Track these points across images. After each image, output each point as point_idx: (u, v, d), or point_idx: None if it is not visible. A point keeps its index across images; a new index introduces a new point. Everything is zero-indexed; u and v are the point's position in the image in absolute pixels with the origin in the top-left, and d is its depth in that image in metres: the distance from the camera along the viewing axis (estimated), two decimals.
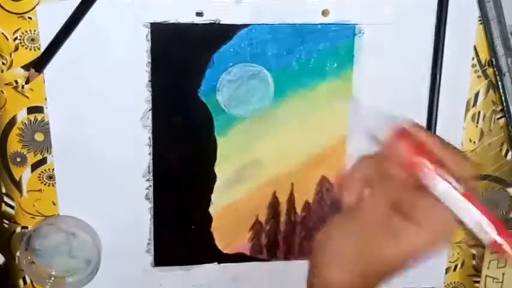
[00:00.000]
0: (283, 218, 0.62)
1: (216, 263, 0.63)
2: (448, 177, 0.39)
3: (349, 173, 0.43)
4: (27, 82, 0.54)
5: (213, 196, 0.60)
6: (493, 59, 0.57)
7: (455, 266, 0.66)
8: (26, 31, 0.52)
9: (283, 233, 0.62)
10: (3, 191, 0.58)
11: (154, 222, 0.60)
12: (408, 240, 0.41)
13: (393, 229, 0.41)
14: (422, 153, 0.40)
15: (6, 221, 0.59)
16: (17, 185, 0.57)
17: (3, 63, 0.53)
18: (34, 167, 0.57)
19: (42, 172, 0.57)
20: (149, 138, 0.57)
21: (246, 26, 0.55)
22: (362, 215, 0.42)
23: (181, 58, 0.55)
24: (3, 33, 0.52)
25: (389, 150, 0.41)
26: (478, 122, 0.61)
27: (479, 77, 0.59)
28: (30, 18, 0.52)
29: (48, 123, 0.55)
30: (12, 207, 0.58)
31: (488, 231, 0.39)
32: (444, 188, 0.39)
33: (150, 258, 0.61)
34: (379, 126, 0.42)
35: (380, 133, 0.42)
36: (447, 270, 0.66)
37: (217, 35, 0.55)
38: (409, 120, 0.41)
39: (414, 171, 0.40)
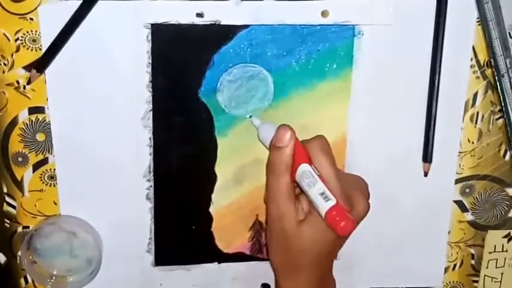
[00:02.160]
0: None
1: (216, 263, 0.63)
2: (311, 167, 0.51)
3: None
4: (28, 83, 0.54)
5: (213, 196, 0.60)
6: (492, 60, 0.57)
7: (454, 266, 0.66)
8: (28, 32, 0.53)
9: None
10: (5, 190, 0.58)
11: (155, 222, 0.60)
12: (316, 224, 0.52)
13: (304, 215, 0.53)
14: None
15: (8, 221, 0.59)
16: (19, 184, 0.58)
17: (4, 64, 0.53)
18: (35, 167, 0.57)
19: (43, 172, 0.57)
20: (150, 138, 0.57)
21: (246, 26, 0.55)
22: (270, 210, 0.53)
23: (181, 59, 0.55)
24: (4, 34, 0.53)
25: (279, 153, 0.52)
26: (476, 123, 0.61)
27: (477, 77, 0.60)
28: (31, 19, 0.52)
29: (49, 124, 0.56)
30: (13, 206, 0.58)
31: (330, 198, 0.50)
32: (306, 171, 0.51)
33: (150, 257, 0.61)
34: (268, 135, 0.53)
35: (267, 141, 0.53)
36: (446, 269, 0.66)
37: (217, 35, 0.55)
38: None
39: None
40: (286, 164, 0.51)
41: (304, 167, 0.51)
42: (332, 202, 0.50)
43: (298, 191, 0.54)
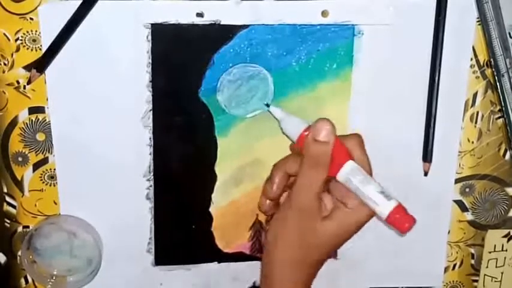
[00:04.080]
0: None
1: (216, 262, 0.63)
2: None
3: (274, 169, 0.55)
4: (28, 82, 0.54)
5: (213, 196, 0.60)
6: (492, 60, 0.57)
7: (454, 265, 0.66)
8: (28, 32, 0.53)
9: None
10: (5, 190, 0.58)
11: (155, 221, 0.60)
12: (343, 220, 0.52)
13: (327, 211, 0.52)
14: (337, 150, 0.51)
15: (8, 221, 0.59)
16: (19, 184, 0.58)
17: (4, 64, 0.53)
18: (36, 166, 0.57)
19: (43, 172, 0.57)
20: (150, 138, 0.57)
21: (246, 26, 0.55)
22: (296, 202, 0.52)
23: (181, 58, 0.55)
24: (4, 34, 0.53)
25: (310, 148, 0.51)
26: (476, 122, 0.61)
27: (477, 77, 0.60)
28: (31, 19, 0.52)
29: (49, 123, 0.56)
30: (13, 206, 0.58)
31: (392, 197, 0.50)
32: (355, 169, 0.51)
33: (150, 257, 0.61)
34: (296, 129, 0.52)
35: (296, 135, 0.52)
36: (446, 269, 0.66)
37: (217, 35, 0.55)
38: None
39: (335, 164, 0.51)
40: (328, 158, 0.51)
41: (351, 164, 0.51)
42: (395, 202, 0.50)
43: None
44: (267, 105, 0.55)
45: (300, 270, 0.54)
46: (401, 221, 0.50)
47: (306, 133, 0.51)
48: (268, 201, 0.56)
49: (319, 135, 0.50)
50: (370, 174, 0.52)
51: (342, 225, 0.52)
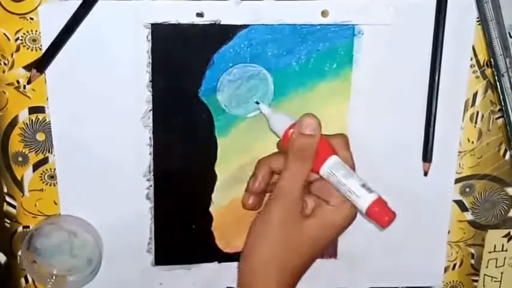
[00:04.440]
0: None
1: (216, 262, 0.63)
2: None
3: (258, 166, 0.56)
4: (28, 82, 0.54)
5: (213, 196, 0.60)
6: (492, 60, 0.57)
7: (454, 265, 0.66)
8: (28, 31, 0.53)
9: None
10: (5, 190, 0.58)
11: (155, 221, 0.60)
12: (326, 218, 0.52)
13: (309, 210, 0.52)
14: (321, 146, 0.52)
15: (8, 221, 0.59)
16: (19, 184, 0.58)
17: (4, 64, 0.53)
18: (36, 166, 0.57)
19: (43, 172, 0.57)
20: (150, 138, 0.57)
21: (246, 26, 0.55)
22: (281, 195, 0.52)
23: (181, 58, 0.55)
24: (4, 34, 0.53)
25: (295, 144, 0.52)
26: (476, 122, 0.61)
27: (477, 77, 0.60)
28: (31, 18, 0.52)
29: (49, 123, 0.56)
30: (14, 206, 0.58)
31: (373, 191, 0.51)
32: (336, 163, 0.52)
33: (150, 257, 0.61)
34: (282, 125, 0.53)
35: (282, 130, 0.53)
36: (446, 269, 0.66)
37: (217, 35, 0.55)
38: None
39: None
40: (313, 151, 0.52)
41: (335, 159, 0.52)
42: (375, 195, 0.51)
43: None
44: (257, 103, 0.56)
45: (281, 276, 0.52)
46: (380, 214, 0.50)
47: (291, 130, 0.52)
48: (251, 197, 0.56)
49: (305, 129, 0.51)
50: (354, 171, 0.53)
51: (325, 224, 0.52)
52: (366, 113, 0.59)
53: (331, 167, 0.52)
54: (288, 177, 0.52)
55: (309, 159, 0.52)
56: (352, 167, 0.53)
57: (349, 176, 0.51)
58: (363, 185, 0.51)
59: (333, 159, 0.52)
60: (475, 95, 0.60)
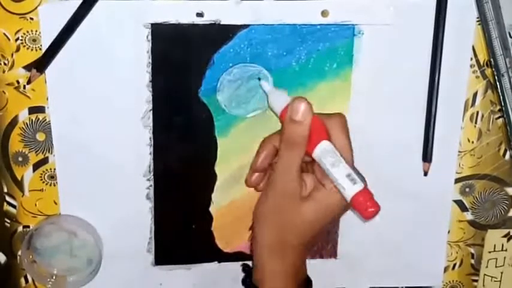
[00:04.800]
0: None
1: (216, 262, 0.63)
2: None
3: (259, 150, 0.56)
4: (28, 82, 0.54)
5: (213, 195, 0.60)
6: (492, 59, 0.57)
7: (454, 265, 0.66)
8: (28, 31, 0.53)
9: None
10: (5, 190, 0.58)
11: (155, 221, 0.60)
12: (322, 201, 0.52)
13: (308, 192, 0.52)
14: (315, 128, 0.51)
15: (8, 220, 0.59)
16: (19, 184, 0.58)
17: (4, 64, 0.53)
18: (36, 166, 0.57)
19: (43, 172, 0.57)
20: (150, 138, 0.57)
21: (246, 26, 0.55)
22: (276, 182, 0.52)
23: (181, 58, 0.55)
24: (4, 34, 0.53)
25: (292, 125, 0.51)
26: (476, 122, 0.61)
27: (477, 77, 0.60)
28: (31, 18, 0.52)
29: (49, 123, 0.56)
30: (14, 206, 0.58)
31: (358, 181, 0.50)
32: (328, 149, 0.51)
33: (150, 257, 0.61)
34: (280, 103, 0.52)
35: (279, 109, 0.52)
36: (446, 269, 0.66)
37: (217, 35, 0.55)
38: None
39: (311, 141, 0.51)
40: (304, 138, 0.51)
41: (325, 145, 0.51)
42: (360, 186, 0.50)
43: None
44: (259, 79, 0.56)
45: (280, 257, 0.53)
46: (364, 206, 0.50)
47: None
48: (255, 174, 0.56)
49: (294, 115, 0.50)
50: (350, 156, 0.52)
51: (321, 207, 0.52)
52: (366, 113, 0.59)
53: (319, 154, 0.51)
54: (281, 165, 0.52)
55: (300, 147, 0.51)
56: (348, 151, 0.52)
57: (336, 165, 0.50)
58: (348, 175, 0.50)
59: (323, 145, 0.51)
60: (475, 95, 0.60)
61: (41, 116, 0.56)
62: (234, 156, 0.59)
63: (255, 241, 0.55)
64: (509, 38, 0.57)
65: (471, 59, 0.59)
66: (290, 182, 0.52)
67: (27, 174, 0.57)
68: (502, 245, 0.66)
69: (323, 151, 0.51)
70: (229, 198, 0.60)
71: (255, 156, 0.56)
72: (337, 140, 0.52)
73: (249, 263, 0.62)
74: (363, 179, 0.51)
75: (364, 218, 0.50)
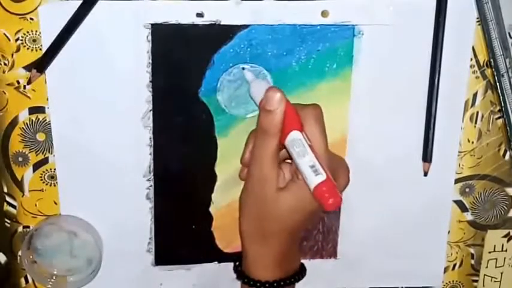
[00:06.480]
0: None
1: (216, 263, 0.63)
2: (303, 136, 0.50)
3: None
4: (28, 83, 0.54)
5: (213, 196, 0.60)
6: (491, 60, 0.57)
7: (454, 265, 0.66)
8: (28, 32, 0.53)
9: None
10: (5, 190, 0.58)
11: (155, 221, 0.60)
12: (297, 192, 0.51)
13: (286, 182, 0.52)
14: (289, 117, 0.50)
15: (8, 221, 0.59)
16: (19, 184, 0.58)
17: (5, 64, 0.54)
18: (36, 166, 0.57)
19: (43, 172, 0.58)
20: (150, 138, 0.57)
21: (246, 26, 0.55)
22: (252, 172, 0.53)
23: (181, 59, 0.56)
24: (4, 34, 0.53)
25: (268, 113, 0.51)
26: (476, 123, 0.61)
27: (477, 77, 0.60)
28: (32, 19, 0.52)
29: (49, 123, 0.56)
30: (14, 206, 0.58)
31: (320, 173, 0.49)
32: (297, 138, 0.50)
33: (150, 257, 0.61)
34: (260, 92, 0.52)
35: (259, 98, 0.52)
36: (446, 269, 0.66)
37: (217, 35, 0.55)
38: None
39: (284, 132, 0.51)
40: (276, 127, 0.50)
41: (295, 135, 0.51)
42: (322, 177, 0.49)
43: (281, 158, 0.54)
44: (243, 68, 0.56)
45: (264, 244, 0.54)
46: (325, 196, 0.49)
47: None
48: (245, 169, 0.56)
49: (266, 104, 0.50)
50: (323, 147, 0.52)
51: (297, 197, 0.52)
52: (366, 113, 0.59)
53: (289, 144, 0.51)
54: (256, 154, 0.52)
55: (273, 136, 0.51)
56: (320, 142, 0.52)
57: (302, 156, 0.50)
58: (312, 166, 0.50)
59: (292, 135, 0.50)
60: (475, 95, 0.60)
61: (41, 116, 0.56)
62: (234, 156, 0.59)
63: (239, 229, 0.55)
64: (509, 39, 0.57)
65: (471, 59, 0.59)
66: (265, 171, 0.52)
67: (27, 175, 0.57)
68: (502, 246, 0.66)
69: (291, 141, 0.51)
70: (229, 199, 0.60)
71: (243, 150, 0.56)
72: (310, 131, 0.51)
73: None
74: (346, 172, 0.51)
75: (325, 209, 0.50)
